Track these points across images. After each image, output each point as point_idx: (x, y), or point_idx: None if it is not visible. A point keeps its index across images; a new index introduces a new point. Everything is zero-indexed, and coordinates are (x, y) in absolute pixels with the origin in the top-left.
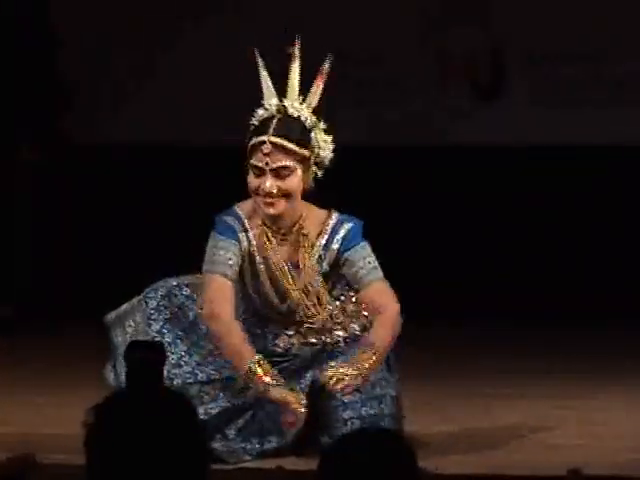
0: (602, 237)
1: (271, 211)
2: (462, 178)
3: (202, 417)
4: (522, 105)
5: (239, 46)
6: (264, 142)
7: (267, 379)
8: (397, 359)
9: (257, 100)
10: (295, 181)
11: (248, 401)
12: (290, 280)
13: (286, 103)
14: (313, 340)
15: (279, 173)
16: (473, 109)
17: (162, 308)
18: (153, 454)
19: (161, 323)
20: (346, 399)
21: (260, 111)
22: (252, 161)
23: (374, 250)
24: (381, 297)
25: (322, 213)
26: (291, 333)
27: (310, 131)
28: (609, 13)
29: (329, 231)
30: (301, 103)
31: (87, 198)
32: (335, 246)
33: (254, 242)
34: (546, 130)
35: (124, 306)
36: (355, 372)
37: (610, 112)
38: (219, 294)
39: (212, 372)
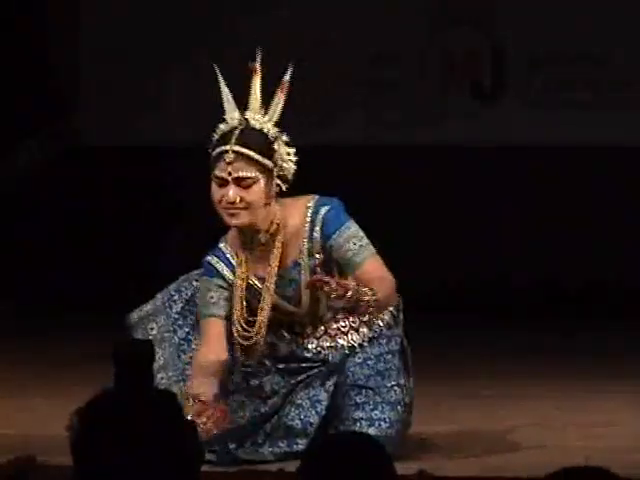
0: (602, 237)
1: (233, 222)
2: (462, 178)
3: (230, 426)
4: (523, 106)
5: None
6: (226, 151)
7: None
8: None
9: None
10: (258, 192)
11: (275, 406)
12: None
13: (247, 115)
14: (341, 342)
15: (242, 183)
16: (474, 109)
17: (187, 313)
18: (140, 455)
19: (187, 329)
20: (359, 399)
21: (222, 125)
22: (215, 172)
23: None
24: (376, 273)
25: (301, 204)
26: (319, 335)
27: (272, 143)
28: (609, 15)
29: (309, 222)
30: (263, 115)
31: (88, 198)
32: (317, 235)
33: (240, 269)
34: (546, 131)
35: (148, 307)
36: (351, 290)
37: (610, 113)
38: (209, 338)
39: (239, 381)
